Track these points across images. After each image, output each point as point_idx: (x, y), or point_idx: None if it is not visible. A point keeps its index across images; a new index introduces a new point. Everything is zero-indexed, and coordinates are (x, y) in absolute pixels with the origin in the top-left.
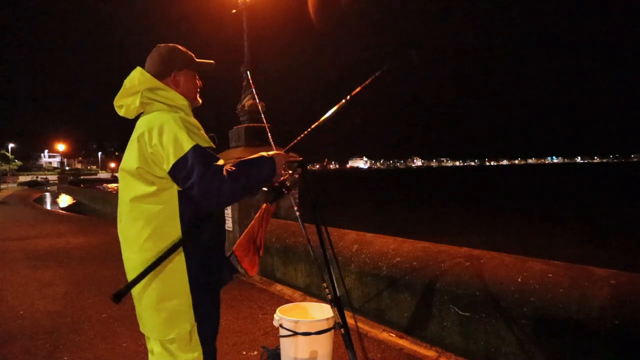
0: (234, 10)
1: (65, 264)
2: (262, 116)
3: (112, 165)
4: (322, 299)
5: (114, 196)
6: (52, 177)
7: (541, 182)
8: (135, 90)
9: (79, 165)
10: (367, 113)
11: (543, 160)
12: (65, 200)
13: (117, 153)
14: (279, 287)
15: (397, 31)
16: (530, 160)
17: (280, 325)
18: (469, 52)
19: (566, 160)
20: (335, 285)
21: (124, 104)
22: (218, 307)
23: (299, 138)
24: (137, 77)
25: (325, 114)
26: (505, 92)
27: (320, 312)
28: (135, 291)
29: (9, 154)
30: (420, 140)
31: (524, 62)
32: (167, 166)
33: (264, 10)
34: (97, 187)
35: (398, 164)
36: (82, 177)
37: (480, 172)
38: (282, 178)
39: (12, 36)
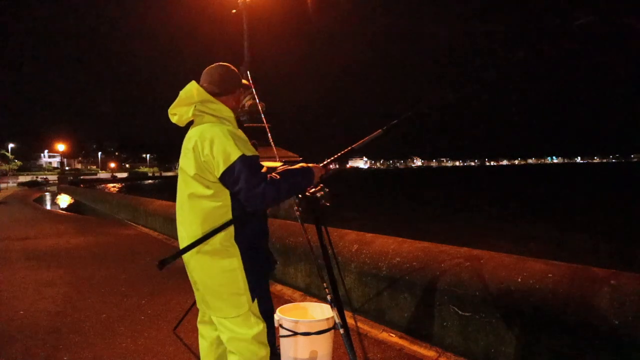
0: (234, 10)
1: (65, 264)
2: (262, 116)
3: (112, 165)
4: (322, 299)
5: (113, 196)
6: (52, 177)
7: (539, 182)
8: (190, 101)
9: (78, 165)
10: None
11: (543, 160)
12: (65, 200)
13: (117, 153)
14: (279, 287)
15: (397, 31)
16: (530, 160)
17: (280, 325)
18: (470, 52)
19: (566, 160)
20: (336, 285)
21: (178, 112)
22: (268, 289)
23: (335, 156)
24: (193, 90)
25: (355, 136)
26: (505, 92)
27: (320, 312)
28: (199, 280)
29: (9, 154)
30: (420, 140)
31: (524, 62)
32: (218, 173)
33: (264, 10)
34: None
35: (398, 164)
36: (82, 177)
37: (480, 172)
38: (314, 189)
39: (13, 36)
